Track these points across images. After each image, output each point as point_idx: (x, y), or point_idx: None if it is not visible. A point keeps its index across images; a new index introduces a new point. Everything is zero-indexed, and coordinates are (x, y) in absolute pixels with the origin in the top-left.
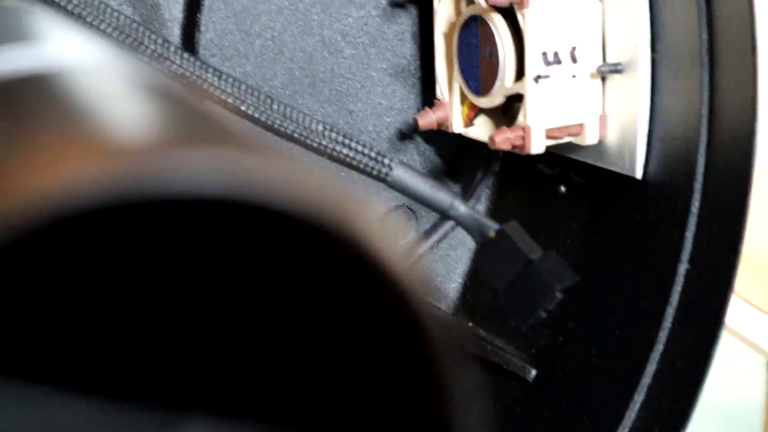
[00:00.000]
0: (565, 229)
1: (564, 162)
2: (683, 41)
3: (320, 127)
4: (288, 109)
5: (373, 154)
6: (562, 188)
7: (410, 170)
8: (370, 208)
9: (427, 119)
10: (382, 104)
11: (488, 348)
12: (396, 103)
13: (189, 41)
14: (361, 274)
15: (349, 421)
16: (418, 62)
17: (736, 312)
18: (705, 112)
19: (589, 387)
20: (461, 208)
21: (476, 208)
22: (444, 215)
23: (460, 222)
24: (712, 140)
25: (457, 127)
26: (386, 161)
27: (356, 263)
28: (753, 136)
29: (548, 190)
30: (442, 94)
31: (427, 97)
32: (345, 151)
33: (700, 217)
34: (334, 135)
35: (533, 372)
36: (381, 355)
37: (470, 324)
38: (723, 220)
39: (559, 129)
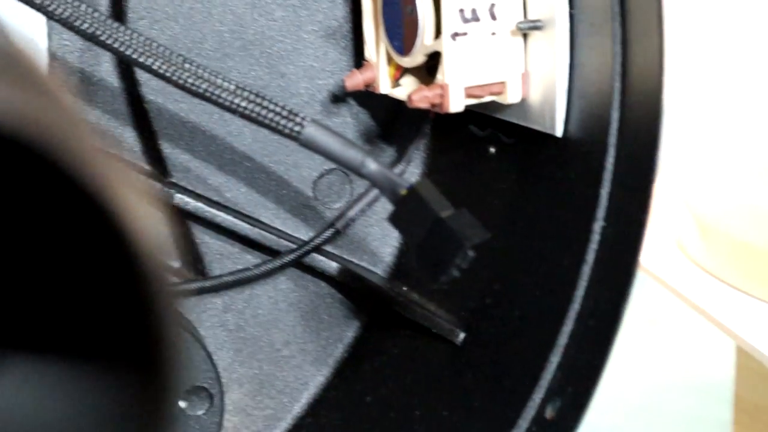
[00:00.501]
0: (495, 190)
1: (494, 123)
2: None
3: (232, 86)
4: (200, 69)
5: (284, 113)
6: (492, 149)
7: (322, 128)
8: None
9: (354, 80)
10: (314, 66)
11: (419, 312)
12: (328, 65)
13: (117, 3)
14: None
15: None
16: (349, 24)
17: (707, 293)
18: (618, 66)
19: (511, 348)
20: (372, 165)
21: (409, 170)
22: (356, 173)
23: (371, 180)
24: (624, 95)
25: (384, 87)
26: (298, 119)
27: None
28: (660, 89)
29: (479, 152)
30: (369, 54)
31: (360, 59)
32: (257, 109)
33: (614, 173)
34: (245, 93)
35: (461, 335)
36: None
37: (404, 288)
38: (634, 176)
39: (480, 87)
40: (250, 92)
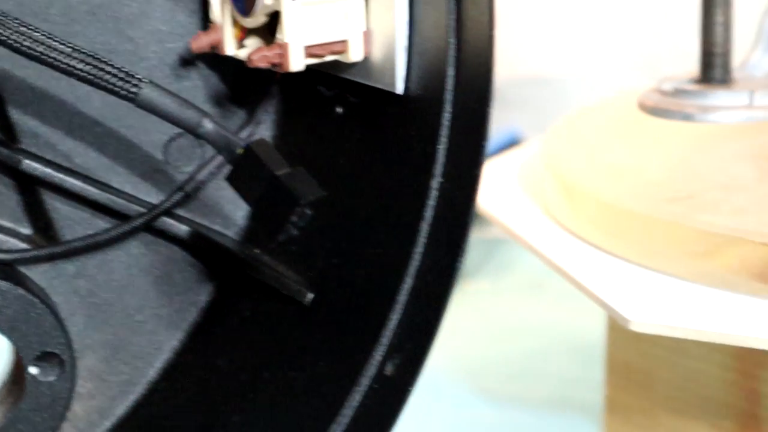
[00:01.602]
0: (342, 150)
1: (340, 83)
2: None
3: (67, 48)
4: (36, 32)
5: (121, 74)
6: (339, 109)
7: (159, 90)
8: None
9: (200, 42)
10: (163, 30)
11: (269, 273)
12: (177, 28)
13: None
14: None
15: None
16: None
17: (574, 256)
18: (452, 22)
19: (355, 307)
20: (209, 125)
21: (259, 132)
22: (194, 134)
23: (208, 140)
24: (459, 50)
25: (229, 49)
26: (134, 81)
27: None
28: (491, 44)
29: (327, 112)
30: (215, 16)
31: (208, 22)
32: (93, 71)
33: (450, 129)
34: (82, 56)
35: (310, 295)
36: None
37: (256, 250)
38: (468, 133)
39: (321, 46)
40: (87, 54)
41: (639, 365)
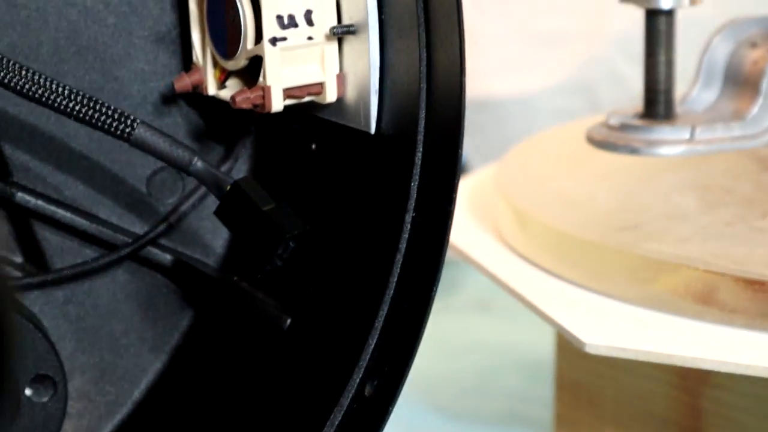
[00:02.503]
0: (316, 184)
1: (315, 121)
2: (404, 3)
3: (66, 91)
4: (36, 75)
5: (116, 115)
6: (313, 146)
7: (151, 129)
8: None
9: (183, 82)
10: (146, 70)
11: (249, 300)
12: (159, 68)
13: None
14: None
15: None
16: (177, 29)
17: (524, 278)
18: (423, 68)
19: (334, 332)
20: (199, 164)
21: (237, 167)
22: (185, 171)
23: (199, 177)
24: (430, 93)
25: (211, 89)
26: (128, 121)
27: None
28: (461, 88)
29: (302, 148)
30: (197, 58)
31: (188, 62)
32: (90, 112)
33: (422, 167)
34: (79, 97)
35: (288, 320)
36: None
37: (235, 278)
38: (440, 170)
39: (299, 88)
40: (84, 96)
41: (587, 383)
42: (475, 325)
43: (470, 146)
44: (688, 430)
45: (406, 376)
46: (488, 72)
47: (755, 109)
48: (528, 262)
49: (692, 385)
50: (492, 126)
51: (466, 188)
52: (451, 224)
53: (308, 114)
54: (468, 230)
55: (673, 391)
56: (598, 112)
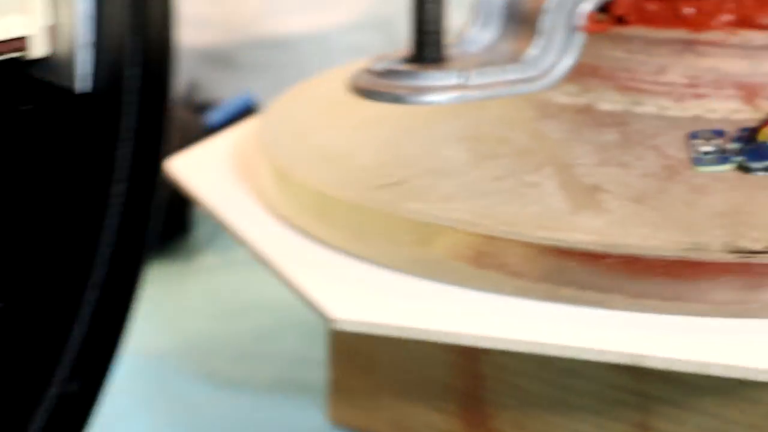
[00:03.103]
0: (25, 150)
1: (26, 80)
2: None
3: None
4: None
5: None
6: (26, 107)
7: None
8: None
9: None
10: None
11: None
12: None
13: None
14: None
15: None
16: None
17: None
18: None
19: (30, 349)
20: None
21: None
22: None
23: None
24: (141, 49)
25: None
26: None
27: None
28: (170, 41)
29: (15, 110)
30: None
31: None
32: None
33: (134, 131)
34: None
35: None
36: None
37: None
38: (148, 136)
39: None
40: None
41: (362, 347)
42: (257, 283)
43: (265, 86)
44: (469, 395)
45: (112, 369)
46: (283, 10)
47: (534, 50)
48: (289, 225)
49: (471, 349)
50: (287, 65)
51: (233, 141)
52: (159, 196)
53: (18, 72)
54: (229, 191)
55: (450, 356)
56: (396, 48)
